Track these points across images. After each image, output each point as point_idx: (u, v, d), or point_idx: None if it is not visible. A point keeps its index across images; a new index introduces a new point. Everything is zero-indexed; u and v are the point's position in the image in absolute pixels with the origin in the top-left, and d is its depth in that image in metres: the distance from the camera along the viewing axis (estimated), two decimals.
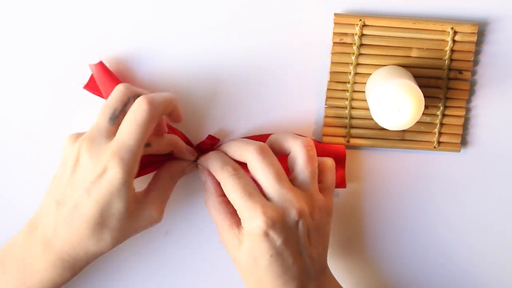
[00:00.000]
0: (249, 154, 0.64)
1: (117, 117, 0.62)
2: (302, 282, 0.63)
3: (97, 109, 0.64)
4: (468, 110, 0.73)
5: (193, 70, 0.71)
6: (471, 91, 0.72)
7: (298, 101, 0.72)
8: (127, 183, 0.60)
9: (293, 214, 0.62)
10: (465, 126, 0.73)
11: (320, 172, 0.67)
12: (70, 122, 0.71)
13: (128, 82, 0.70)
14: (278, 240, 0.61)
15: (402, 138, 0.73)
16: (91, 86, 0.69)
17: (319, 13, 0.70)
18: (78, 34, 0.70)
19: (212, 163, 0.66)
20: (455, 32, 0.70)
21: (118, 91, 0.63)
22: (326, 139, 0.72)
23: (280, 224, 0.61)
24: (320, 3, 0.70)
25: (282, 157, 0.67)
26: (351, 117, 0.72)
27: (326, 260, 0.66)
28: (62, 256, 0.62)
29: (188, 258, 0.75)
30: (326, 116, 0.72)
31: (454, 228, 0.75)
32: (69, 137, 0.63)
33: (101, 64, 0.68)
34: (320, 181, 0.67)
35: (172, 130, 0.71)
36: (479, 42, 0.71)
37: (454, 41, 0.70)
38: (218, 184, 0.67)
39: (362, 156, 0.73)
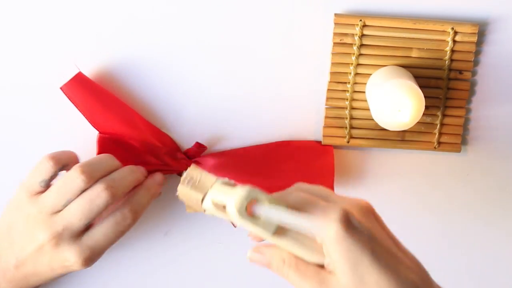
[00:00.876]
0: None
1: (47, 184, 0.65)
2: (420, 281, 0.52)
3: None
4: (468, 110, 0.73)
5: (192, 70, 0.71)
6: (471, 91, 0.72)
7: (298, 101, 0.72)
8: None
9: (364, 203, 0.53)
10: (465, 126, 0.73)
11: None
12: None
13: (121, 89, 0.70)
14: (364, 230, 0.50)
15: (403, 139, 0.73)
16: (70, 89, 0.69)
17: (319, 13, 0.70)
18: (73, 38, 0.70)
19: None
20: (455, 32, 0.70)
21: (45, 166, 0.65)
22: (326, 140, 0.72)
23: (356, 214, 0.51)
24: (320, 3, 0.70)
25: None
26: (351, 118, 0.72)
27: None
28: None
29: (188, 258, 0.75)
30: (326, 117, 0.72)
31: (454, 228, 0.75)
32: (28, 200, 0.66)
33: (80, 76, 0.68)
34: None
35: (161, 135, 0.71)
36: (479, 42, 0.71)
37: (454, 41, 0.70)
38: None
39: (362, 157, 0.73)
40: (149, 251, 0.74)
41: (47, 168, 0.65)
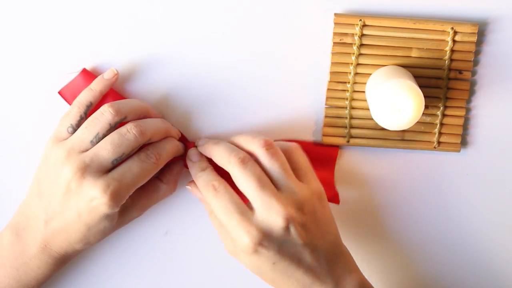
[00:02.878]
0: (230, 165, 0.64)
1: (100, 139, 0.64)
2: (316, 275, 0.64)
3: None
4: (468, 110, 0.73)
5: (192, 71, 0.71)
6: (471, 91, 0.72)
7: (298, 101, 0.72)
8: (117, 212, 0.65)
9: (279, 223, 0.62)
10: (465, 126, 0.73)
11: (289, 160, 0.66)
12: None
13: (126, 81, 0.71)
14: (270, 251, 0.62)
15: (402, 138, 0.73)
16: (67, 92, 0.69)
17: (319, 13, 0.70)
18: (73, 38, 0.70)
19: (216, 153, 0.66)
20: (455, 32, 0.70)
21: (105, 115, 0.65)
22: (326, 139, 0.72)
23: (268, 237, 0.62)
24: (320, 3, 0.70)
25: None
26: (351, 117, 0.72)
27: (339, 240, 0.66)
28: (54, 255, 0.66)
29: (188, 258, 0.75)
30: (326, 116, 0.72)
31: (454, 228, 0.75)
32: (55, 145, 0.65)
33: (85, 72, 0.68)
34: (293, 169, 0.66)
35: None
36: (479, 42, 0.71)
37: (454, 41, 0.70)
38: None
39: (362, 156, 0.73)
40: (149, 251, 0.74)
41: (75, 113, 0.66)
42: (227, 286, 0.75)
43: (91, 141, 0.64)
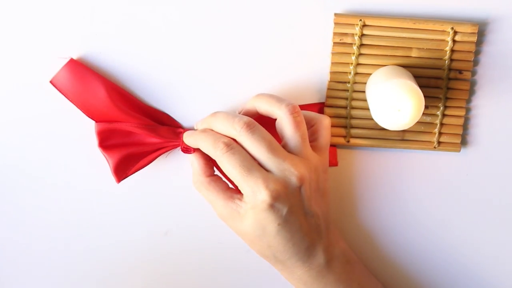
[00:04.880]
0: (236, 132, 0.64)
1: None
2: (311, 240, 0.65)
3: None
4: (468, 110, 0.73)
5: (191, 69, 0.71)
6: (471, 91, 0.72)
7: (298, 101, 0.72)
8: None
9: (294, 182, 0.63)
10: (465, 126, 0.73)
11: (315, 131, 0.68)
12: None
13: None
14: (284, 209, 0.63)
15: (402, 138, 0.73)
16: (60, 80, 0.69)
17: (319, 13, 0.70)
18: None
19: (203, 141, 0.66)
20: (455, 32, 0.70)
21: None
22: None
23: (284, 194, 0.63)
24: (320, 3, 0.70)
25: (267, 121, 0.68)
26: (351, 117, 0.72)
27: (329, 215, 0.68)
28: None
29: (188, 258, 0.75)
30: None
31: (454, 228, 0.75)
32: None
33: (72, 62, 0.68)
34: (314, 140, 0.68)
35: (158, 114, 0.71)
36: (479, 42, 0.71)
37: (454, 41, 0.70)
38: (205, 164, 0.68)
39: (362, 156, 0.73)
40: (149, 251, 0.74)
41: None
42: (227, 286, 0.75)
43: None
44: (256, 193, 0.63)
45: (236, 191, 0.66)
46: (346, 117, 0.72)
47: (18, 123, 0.71)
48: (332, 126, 0.72)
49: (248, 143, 0.64)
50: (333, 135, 0.72)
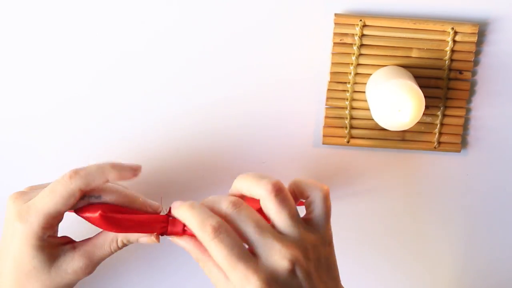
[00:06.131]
0: (222, 212, 0.60)
1: None
2: None
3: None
4: (468, 110, 0.73)
5: (191, 69, 0.71)
6: (471, 91, 0.72)
7: (298, 101, 0.72)
8: (32, 238, 0.61)
9: (285, 266, 0.57)
10: (465, 126, 0.73)
11: (311, 203, 0.62)
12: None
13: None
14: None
15: (403, 139, 0.73)
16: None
17: (319, 13, 0.70)
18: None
19: (190, 219, 0.60)
20: (455, 32, 0.70)
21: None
22: (326, 140, 0.72)
23: (275, 281, 0.57)
24: (320, 3, 0.70)
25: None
26: (352, 118, 0.72)
27: (339, 285, 0.63)
28: None
29: (188, 258, 0.75)
30: (326, 117, 0.72)
31: (454, 228, 0.75)
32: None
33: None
34: (310, 212, 0.62)
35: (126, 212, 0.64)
36: (479, 42, 0.71)
37: (454, 41, 0.70)
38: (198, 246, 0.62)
39: (362, 157, 0.73)
40: (149, 251, 0.74)
41: None
42: None
43: None
44: (245, 284, 0.57)
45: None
46: (346, 118, 0.72)
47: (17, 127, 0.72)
48: (332, 126, 0.72)
49: (235, 224, 0.59)
50: (333, 136, 0.72)
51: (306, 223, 0.61)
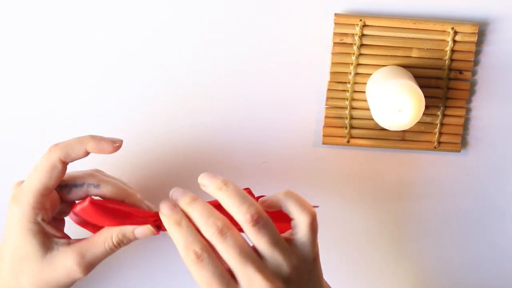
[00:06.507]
0: (208, 235, 0.59)
1: None
2: None
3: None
4: (468, 110, 0.73)
5: (192, 69, 0.71)
6: (471, 91, 0.72)
7: (298, 101, 0.72)
8: (26, 219, 0.61)
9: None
10: (465, 126, 0.73)
11: (295, 226, 0.61)
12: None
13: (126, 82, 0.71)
14: None
15: (403, 138, 0.73)
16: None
17: (319, 13, 0.70)
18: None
19: (175, 237, 0.60)
20: (455, 32, 0.70)
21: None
22: (326, 140, 0.72)
23: None
24: (320, 3, 0.70)
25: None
26: (352, 117, 0.72)
27: None
28: None
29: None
30: (326, 117, 0.72)
31: (454, 228, 0.75)
32: None
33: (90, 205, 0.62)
34: (295, 233, 0.61)
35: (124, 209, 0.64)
36: (479, 42, 0.71)
37: (454, 41, 0.70)
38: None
39: (362, 157, 0.73)
40: (149, 251, 0.74)
41: None
42: None
43: None
44: None
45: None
46: (346, 118, 0.72)
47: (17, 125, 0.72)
48: (332, 126, 0.72)
49: (219, 248, 0.59)
50: (333, 136, 0.72)
51: (289, 243, 0.60)
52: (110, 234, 0.62)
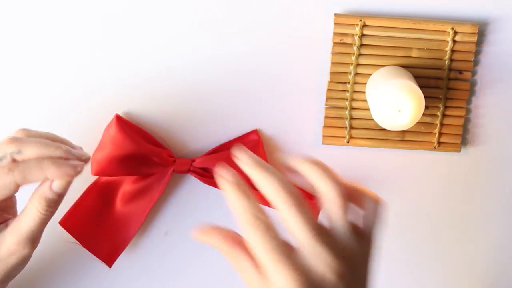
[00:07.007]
0: (281, 205, 0.55)
1: None
2: None
3: None
4: (468, 110, 0.73)
5: (192, 69, 0.71)
6: (471, 91, 0.72)
7: (298, 102, 0.72)
8: None
9: (330, 277, 0.54)
10: (465, 126, 0.73)
11: (365, 210, 0.59)
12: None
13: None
14: None
15: (403, 139, 0.73)
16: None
17: (319, 13, 0.70)
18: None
19: (235, 203, 0.56)
20: (455, 32, 0.70)
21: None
22: (326, 140, 0.72)
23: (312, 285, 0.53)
24: (320, 3, 0.70)
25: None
26: (352, 118, 0.72)
27: None
28: None
29: (188, 258, 0.75)
30: (326, 117, 0.72)
31: (454, 228, 0.75)
32: None
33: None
34: (363, 217, 0.59)
35: (142, 134, 0.69)
36: (479, 42, 0.71)
37: (454, 41, 0.70)
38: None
39: (362, 157, 0.73)
40: (149, 251, 0.74)
41: None
42: (226, 286, 0.75)
43: None
44: (283, 279, 0.53)
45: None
46: (346, 118, 0.72)
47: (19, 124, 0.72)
48: (332, 126, 0.72)
49: (290, 219, 0.55)
50: (333, 136, 0.72)
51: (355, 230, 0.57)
52: (32, 203, 0.61)
